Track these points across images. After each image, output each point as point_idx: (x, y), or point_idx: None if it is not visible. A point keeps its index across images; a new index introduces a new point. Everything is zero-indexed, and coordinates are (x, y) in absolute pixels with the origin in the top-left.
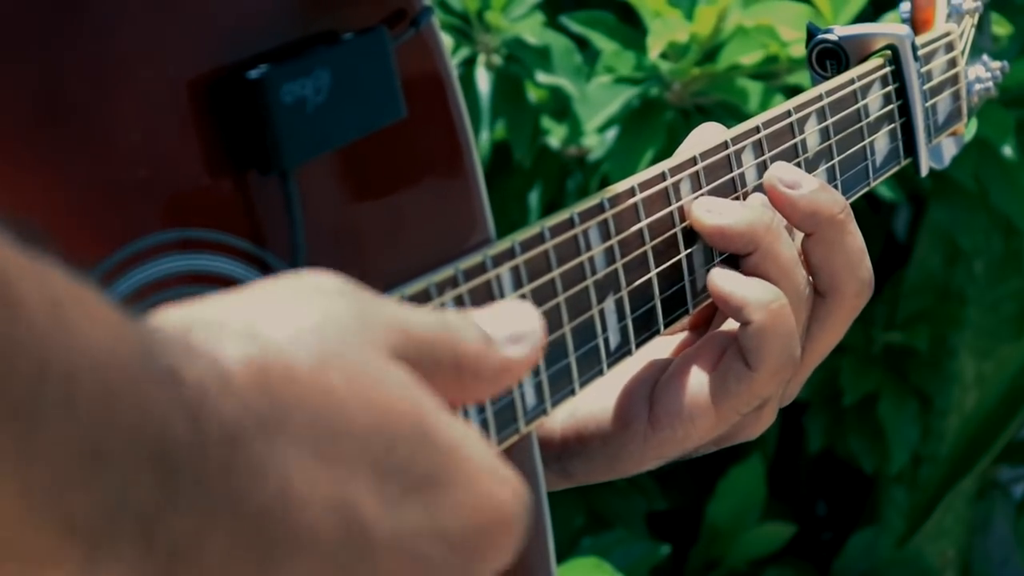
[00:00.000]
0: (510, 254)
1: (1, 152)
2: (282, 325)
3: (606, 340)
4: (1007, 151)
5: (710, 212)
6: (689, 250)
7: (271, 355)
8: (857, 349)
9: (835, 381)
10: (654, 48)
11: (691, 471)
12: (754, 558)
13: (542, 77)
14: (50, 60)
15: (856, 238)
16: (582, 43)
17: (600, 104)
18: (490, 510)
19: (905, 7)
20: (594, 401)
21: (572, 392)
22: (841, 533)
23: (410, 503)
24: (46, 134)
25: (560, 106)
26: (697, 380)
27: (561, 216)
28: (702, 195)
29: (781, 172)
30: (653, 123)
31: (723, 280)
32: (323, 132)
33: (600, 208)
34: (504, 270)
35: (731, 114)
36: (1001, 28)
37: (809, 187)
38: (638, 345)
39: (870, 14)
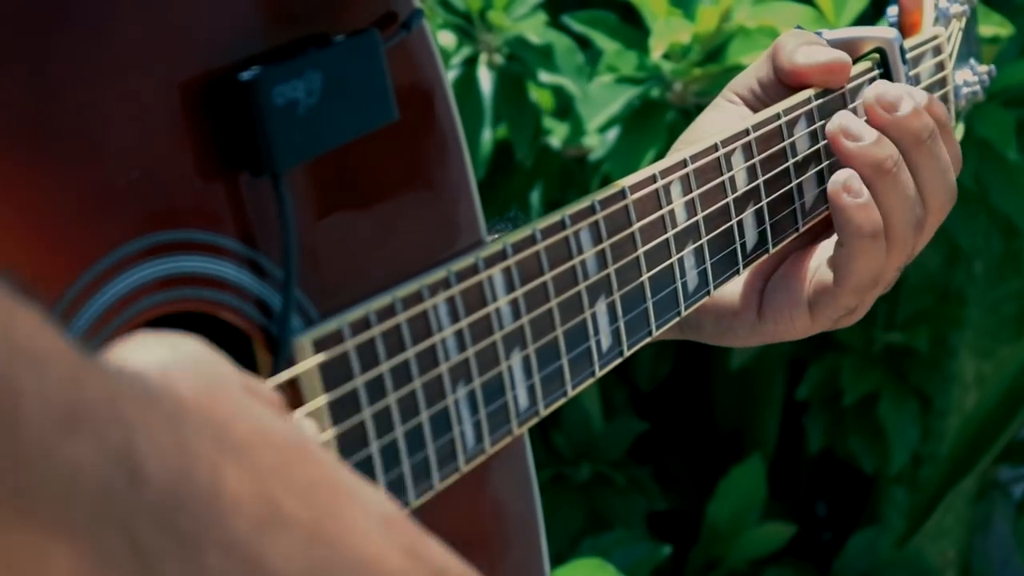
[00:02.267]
0: (502, 256)
1: None
2: (165, 363)
3: (598, 342)
4: (1008, 151)
5: (847, 136)
6: (681, 253)
7: (171, 378)
8: (857, 349)
9: (835, 381)
10: (657, 49)
11: (691, 471)
12: (754, 558)
13: (544, 77)
14: (42, 62)
15: (908, 184)
16: (584, 43)
17: (602, 104)
18: (382, 510)
19: (892, 11)
20: None
21: (564, 394)
22: (841, 533)
23: (318, 497)
24: (38, 137)
25: (562, 106)
26: (798, 286)
27: (552, 218)
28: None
29: (846, 122)
30: (654, 123)
31: (843, 198)
32: (315, 134)
33: (591, 210)
34: (496, 272)
35: None
36: (1003, 28)
37: (868, 138)
38: (630, 347)
39: (871, 15)
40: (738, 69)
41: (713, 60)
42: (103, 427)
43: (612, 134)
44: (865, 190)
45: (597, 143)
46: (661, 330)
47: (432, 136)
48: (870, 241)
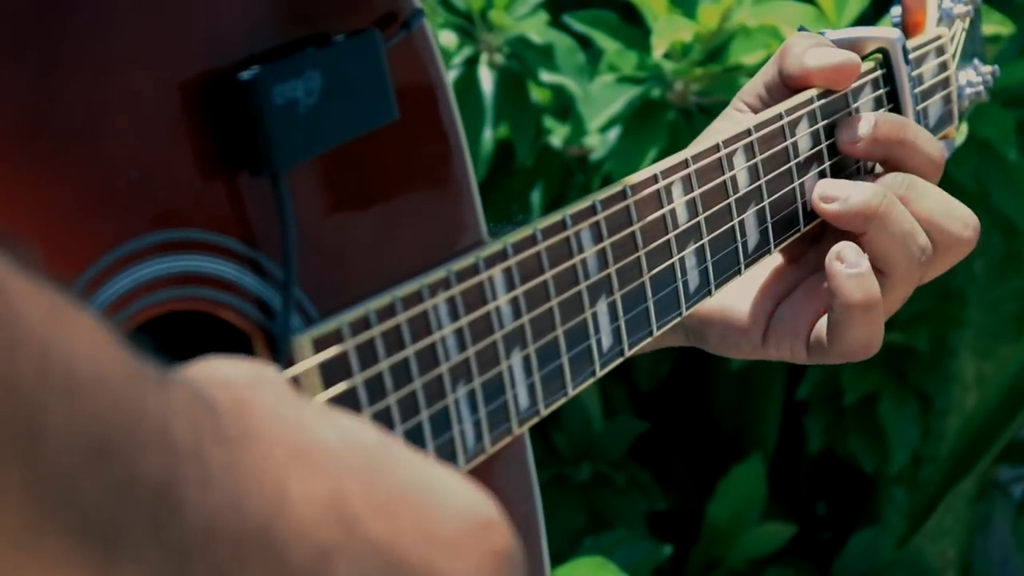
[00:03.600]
0: (502, 256)
1: None
2: (238, 379)
3: (599, 341)
4: (1008, 151)
5: (824, 200)
6: (682, 253)
7: (243, 392)
8: None
9: (835, 381)
10: (658, 48)
11: (691, 471)
12: (754, 558)
13: (545, 76)
14: (41, 62)
15: (915, 206)
16: (585, 42)
17: (602, 103)
18: (468, 517)
19: (896, 11)
20: (721, 293)
21: (565, 394)
22: (841, 533)
23: (399, 511)
24: (37, 136)
25: (563, 105)
26: (802, 324)
27: (553, 218)
28: (820, 179)
29: (822, 189)
30: (655, 123)
31: (834, 265)
32: (314, 134)
33: (592, 210)
34: (496, 272)
35: None
36: (1004, 28)
37: (847, 195)
38: (631, 347)
39: (871, 14)
40: (739, 68)
41: (714, 59)
42: (142, 456)
43: (613, 134)
44: (862, 261)
45: (598, 143)
46: (662, 329)
47: (432, 136)
48: (862, 312)
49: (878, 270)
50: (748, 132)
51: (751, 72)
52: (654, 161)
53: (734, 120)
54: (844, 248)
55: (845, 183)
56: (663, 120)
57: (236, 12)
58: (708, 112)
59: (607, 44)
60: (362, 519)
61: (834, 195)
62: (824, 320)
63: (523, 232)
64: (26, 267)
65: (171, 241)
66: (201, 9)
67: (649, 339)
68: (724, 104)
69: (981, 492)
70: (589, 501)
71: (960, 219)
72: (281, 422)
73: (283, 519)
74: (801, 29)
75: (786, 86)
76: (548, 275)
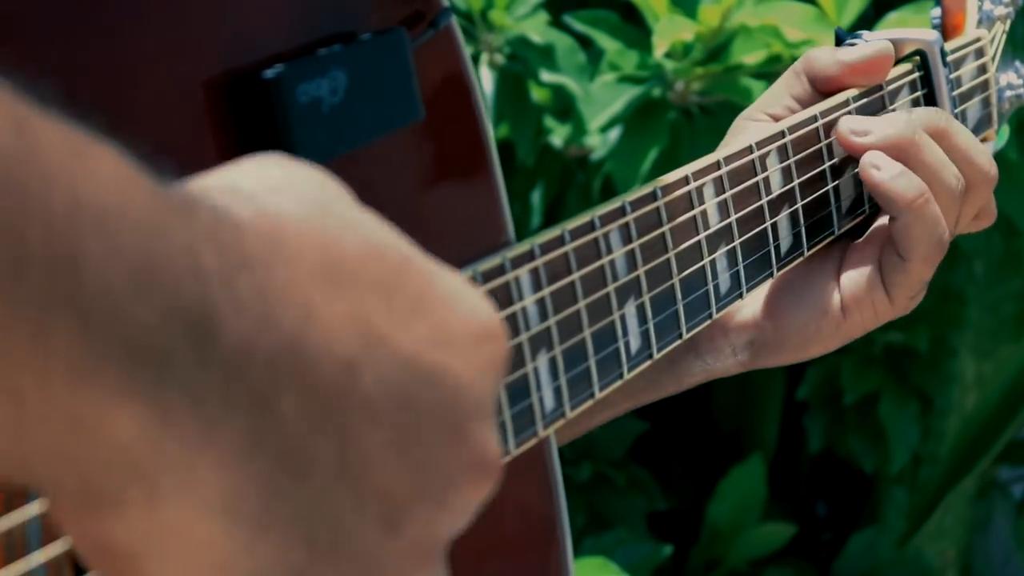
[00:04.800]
0: (529, 256)
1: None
2: (270, 186)
3: (627, 344)
4: (1008, 151)
5: (855, 133)
6: (712, 256)
7: (269, 207)
8: (857, 349)
9: (835, 381)
10: (659, 48)
11: (691, 471)
12: (754, 558)
13: (546, 76)
14: (66, 59)
15: (948, 141)
16: (585, 42)
17: (603, 103)
18: (478, 324)
19: (935, 12)
20: (779, 287)
21: (592, 395)
22: (841, 533)
23: (416, 319)
24: None
25: (563, 105)
26: (872, 271)
27: (582, 219)
28: (848, 114)
29: (851, 123)
30: (656, 122)
31: (875, 174)
32: (339, 133)
33: (622, 211)
34: (523, 272)
35: (734, 114)
36: None
37: (878, 129)
38: (659, 350)
39: (871, 15)
40: (740, 68)
41: (715, 59)
42: (177, 284)
43: (614, 134)
44: (895, 163)
45: (599, 143)
46: (691, 333)
47: (459, 135)
48: (921, 206)
49: None
50: (782, 134)
51: (752, 72)
52: (655, 161)
53: (752, 129)
54: (873, 157)
55: (874, 118)
56: (664, 120)
57: (261, 10)
58: (709, 112)
59: (607, 44)
60: (383, 332)
61: (865, 128)
62: (888, 250)
63: (551, 232)
64: (46, 105)
65: None
66: (226, 7)
67: (679, 342)
68: (725, 104)
69: (981, 492)
70: (589, 501)
71: (987, 156)
72: (306, 236)
73: (310, 337)
74: (838, 31)
75: (820, 92)
76: (576, 276)
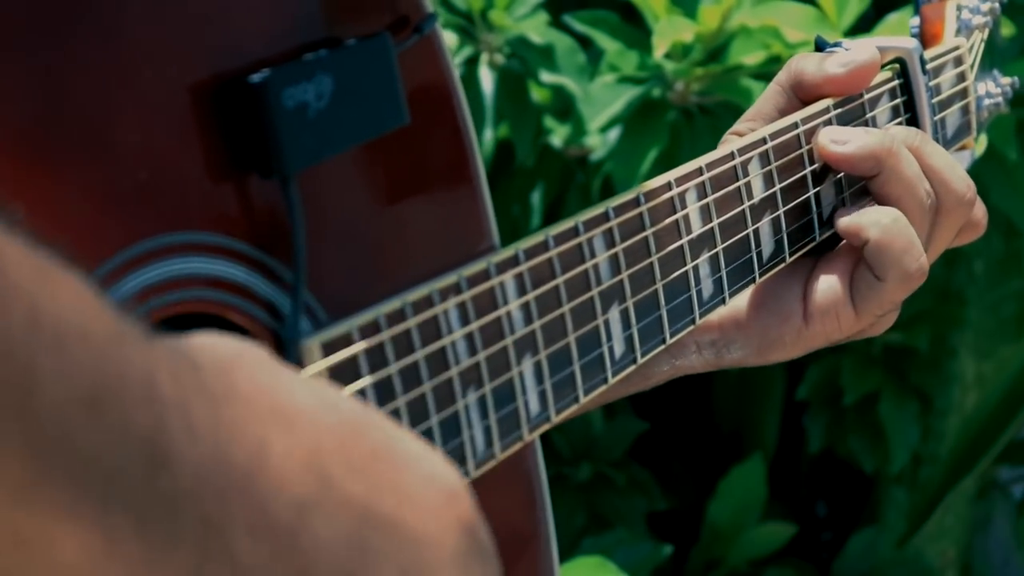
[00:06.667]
0: (514, 261)
1: (3, 153)
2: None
3: (611, 349)
4: (1008, 151)
5: (835, 143)
6: (695, 261)
7: (224, 355)
8: (857, 349)
9: (835, 381)
10: (659, 48)
11: (691, 471)
12: (754, 558)
13: (545, 76)
14: (53, 63)
15: (924, 160)
16: (585, 42)
17: (603, 104)
18: (440, 485)
19: (914, 21)
20: (748, 293)
21: (576, 400)
22: (841, 533)
23: (372, 471)
24: (48, 136)
25: (563, 105)
26: (841, 283)
27: (566, 224)
28: (827, 123)
29: (831, 133)
30: (656, 123)
31: (842, 215)
32: (325, 137)
33: (605, 217)
34: (508, 278)
35: (734, 114)
36: (1005, 28)
37: (857, 139)
38: (643, 354)
39: (872, 16)
40: (740, 69)
41: (715, 60)
42: (130, 408)
43: (613, 134)
44: (849, 132)
45: (598, 143)
46: (675, 337)
47: (444, 141)
48: (893, 190)
49: None
50: (763, 140)
51: (752, 73)
52: (655, 161)
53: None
54: (828, 131)
55: (853, 128)
56: (664, 120)
57: (247, 15)
58: (709, 112)
59: (607, 44)
60: (338, 476)
61: (845, 138)
62: (859, 268)
63: (535, 238)
64: (12, 228)
65: (180, 243)
66: (212, 12)
67: (662, 347)
68: (725, 104)
69: (981, 492)
70: (589, 501)
71: (963, 180)
72: (261, 384)
73: (264, 474)
74: (818, 39)
75: (803, 101)
76: (560, 281)
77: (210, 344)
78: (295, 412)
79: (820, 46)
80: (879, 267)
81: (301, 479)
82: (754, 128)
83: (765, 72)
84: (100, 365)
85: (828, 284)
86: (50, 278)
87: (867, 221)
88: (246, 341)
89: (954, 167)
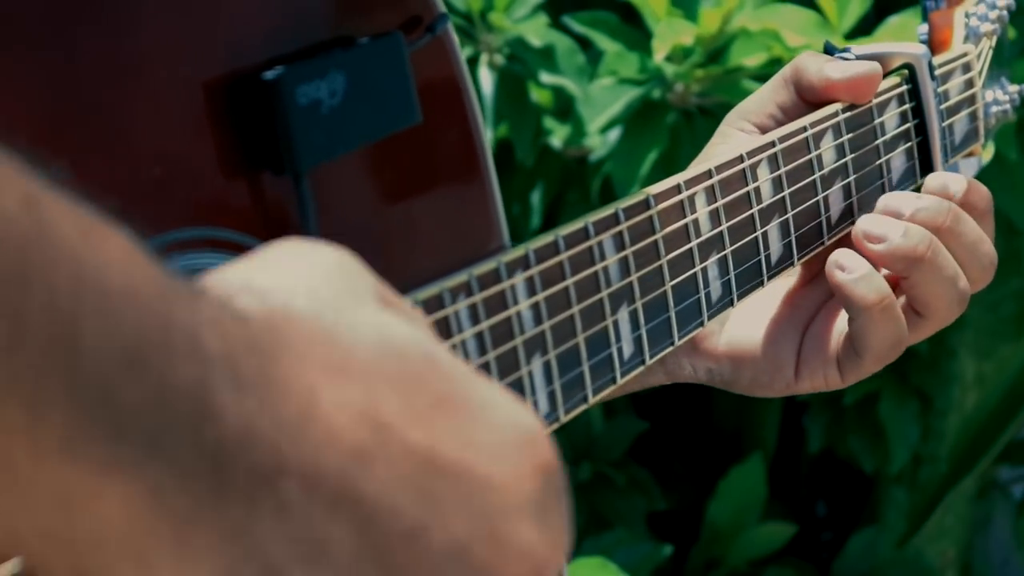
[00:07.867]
0: (524, 262)
1: (18, 149)
2: (284, 284)
3: (620, 350)
4: (1008, 151)
5: (869, 239)
6: (704, 264)
7: (277, 304)
8: None
9: None
10: (659, 51)
11: (691, 471)
12: (754, 558)
13: (545, 77)
14: (68, 59)
15: (948, 264)
16: (585, 44)
17: (603, 105)
18: (516, 431)
19: (923, 28)
20: (749, 331)
21: (585, 400)
22: (841, 533)
23: (435, 418)
24: (63, 132)
25: (563, 106)
26: (828, 347)
27: (576, 226)
28: (865, 216)
29: (867, 226)
30: (655, 124)
31: (837, 275)
32: (337, 134)
33: (615, 219)
34: (519, 278)
35: None
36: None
37: (893, 237)
38: (652, 356)
39: (872, 18)
40: (740, 71)
41: (715, 62)
42: (175, 363)
43: (613, 135)
44: (861, 262)
45: (598, 144)
46: (684, 339)
47: (455, 140)
48: (880, 312)
49: (915, 312)
50: (772, 144)
51: (752, 75)
52: (654, 163)
53: (735, 139)
54: (840, 256)
55: (890, 221)
56: (663, 122)
57: (261, 13)
58: (709, 113)
59: (607, 45)
60: (397, 426)
61: (879, 235)
62: (847, 338)
63: (546, 239)
64: (57, 185)
65: (193, 239)
66: (226, 9)
67: (671, 348)
68: (725, 106)
69: (981, 492)
70: (589, 501)
71: (989, 257)
72: (314, 333)
73: (314, 424)
74: (827, 44)
75: (805, 102)
76: (570, 282)
77: (264, 292)
78: (350, 362)
79: (828, 51)
80: (859, 348)
81: (354, 429)
82: (754, 123)
83: (765, 74)
84: (144, 321)
85: (820, 347)
86: (95, 234)
87: (858, 295)
88: (315, 256)
89: (983, 243)
